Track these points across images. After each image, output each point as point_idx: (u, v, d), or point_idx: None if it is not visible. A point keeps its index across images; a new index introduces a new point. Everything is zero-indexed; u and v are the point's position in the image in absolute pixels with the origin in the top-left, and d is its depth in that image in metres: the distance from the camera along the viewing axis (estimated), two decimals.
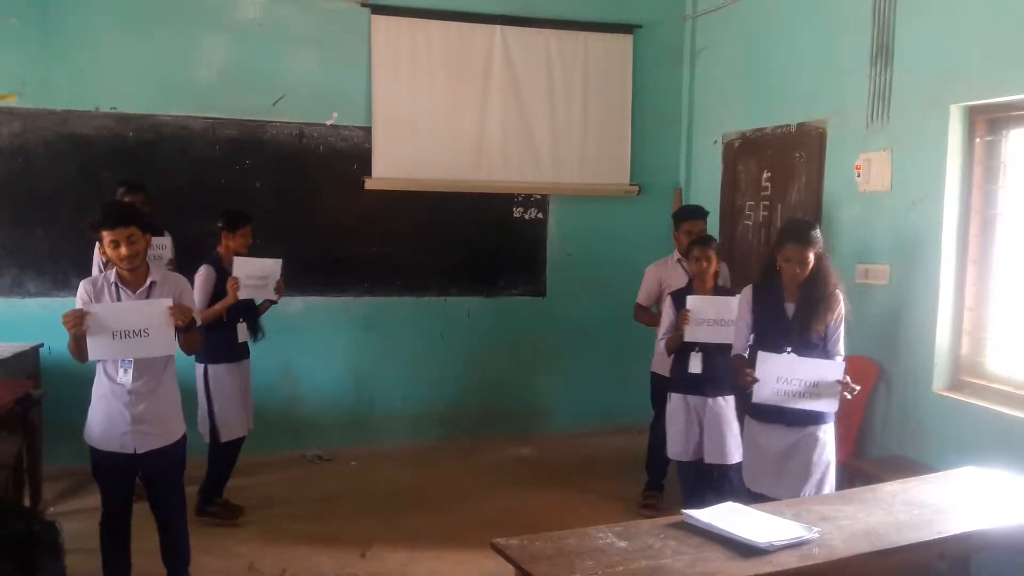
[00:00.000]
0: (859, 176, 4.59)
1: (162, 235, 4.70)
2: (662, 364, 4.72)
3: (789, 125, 5.24)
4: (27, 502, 4.32)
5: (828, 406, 3.37)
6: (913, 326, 4.27)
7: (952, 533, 2.78)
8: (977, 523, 2.86)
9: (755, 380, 3.30)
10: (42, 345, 4.83)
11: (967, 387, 4.09)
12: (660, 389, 4.75)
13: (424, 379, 5.99)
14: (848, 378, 3.31)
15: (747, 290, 3.64)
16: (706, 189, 6.07)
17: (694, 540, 2.64)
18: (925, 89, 4.20)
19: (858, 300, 4.61)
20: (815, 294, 3.43)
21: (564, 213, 6.21)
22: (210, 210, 5.45)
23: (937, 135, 4.13)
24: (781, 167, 5.34)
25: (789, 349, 3.35)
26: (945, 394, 4.11)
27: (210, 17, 5.44)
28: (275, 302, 4.66)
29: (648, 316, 4.82)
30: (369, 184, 5.74)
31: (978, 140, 4.07)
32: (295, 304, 5.70)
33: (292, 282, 5.62)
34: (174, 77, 5.40)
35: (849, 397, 3.34)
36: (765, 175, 5.50)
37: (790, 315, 3.46)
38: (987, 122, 4.06)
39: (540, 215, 6.17)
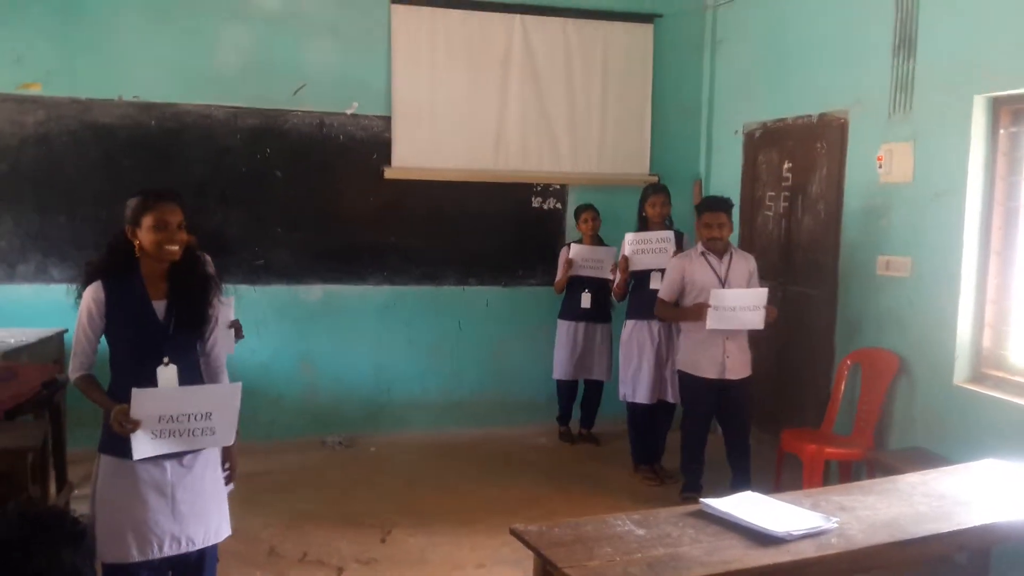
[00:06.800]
0: (881, 167, 4.56)
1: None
2: (686, 362, 4.63)
3: (810, 115, 5.21)
4: (53, 485, 4.37)
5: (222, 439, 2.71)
6: (934, 318, 4.25)
7: (972, 525, 2.78)
8: (997, 515, 2.86)
9: (136, 425, 2.61)
10: (66, 330, 4.87)
11: (988, 380, 4.07)
12: (687, 388, 4.66)
13: (442, 367, 6.02)
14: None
15: (96, 287, 2.73)
16: (726, 180, 6.04)
17: (712, 528, 2.66)
18: (948, 79, 4.16)
19: (879, 292, 4.63)
20: (191, 284, 2.81)
21: (583, 203, 6.19)
22: (231, 199, 5.54)
23: (960, 126, 4.09)
24: (802, 158, 5.31)
25: (167, 359, 2.73)
26: (966, 387, 4.09)
27: (232, 6, 5.47)
28: (612, 280, 5.43)
29: (671, 311, 4.67)
30: (388, 173, 5.76)
31: (1002, 131, 4.04)
32: (314, 292, 5.75)
33: (311, 270, 5.74)
34: (196, 66, 5.43)
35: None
36: (786, 166, 5.47)
37: (161, 314, 2.76)
38: (1011, 113, 4.02)
39: (559, 205, 6.17)
